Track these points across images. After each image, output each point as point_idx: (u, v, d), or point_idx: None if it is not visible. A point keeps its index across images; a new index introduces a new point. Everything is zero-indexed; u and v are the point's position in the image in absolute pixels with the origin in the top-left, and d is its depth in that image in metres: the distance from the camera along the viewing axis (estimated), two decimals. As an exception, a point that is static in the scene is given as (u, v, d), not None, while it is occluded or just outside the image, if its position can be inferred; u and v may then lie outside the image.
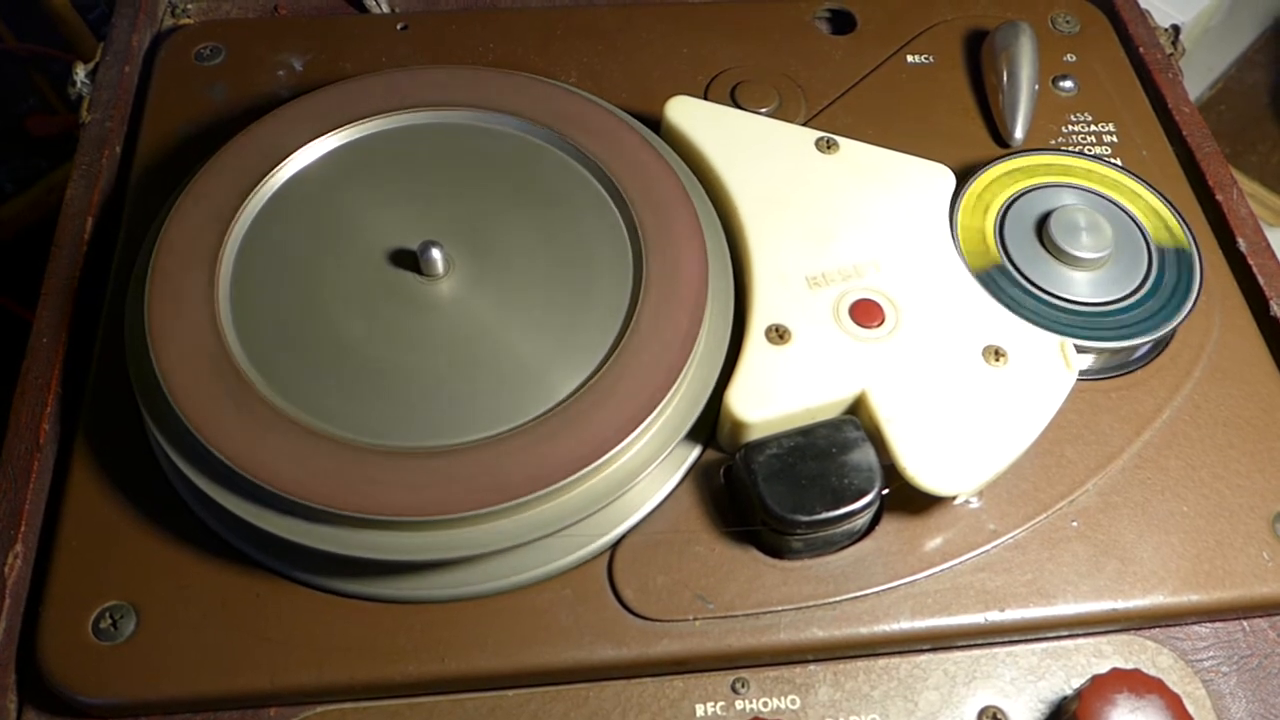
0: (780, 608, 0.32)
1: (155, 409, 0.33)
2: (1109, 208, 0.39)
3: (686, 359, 0.33)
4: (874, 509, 0.33)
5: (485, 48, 0.45)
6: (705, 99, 0.42)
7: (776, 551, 0.33)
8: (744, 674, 0.32)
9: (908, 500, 0.34)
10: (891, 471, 0.33)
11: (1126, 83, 0.46)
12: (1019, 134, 0.43)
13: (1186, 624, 0.34)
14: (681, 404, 0.34)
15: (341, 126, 0.38)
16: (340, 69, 0.44)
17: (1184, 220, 0.39)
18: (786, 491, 0.32)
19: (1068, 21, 0.47)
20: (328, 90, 0.40)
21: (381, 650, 0.31)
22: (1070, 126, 0.44)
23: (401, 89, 0.39)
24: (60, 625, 0.31)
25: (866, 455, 0.33)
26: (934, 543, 0.34)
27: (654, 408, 0.32)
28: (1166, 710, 0.30)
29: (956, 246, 0.38)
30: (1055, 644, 0.33)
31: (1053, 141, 0.43)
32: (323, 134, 0.38)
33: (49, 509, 0.34)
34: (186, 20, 0.47)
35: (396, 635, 0.32)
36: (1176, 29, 0.48)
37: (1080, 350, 0.36)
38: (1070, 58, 0.46)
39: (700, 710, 0.32)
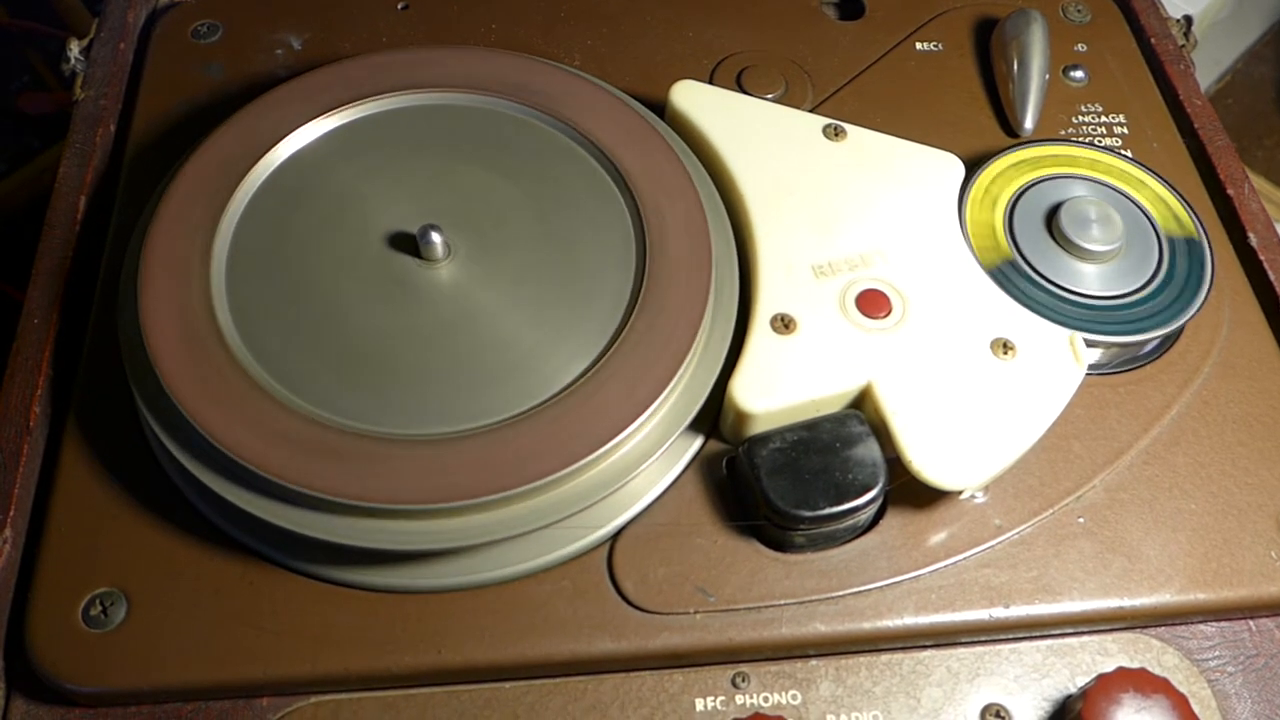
0: (782, 601, 0.32)
1: (148, 393, 0.32)
2: (1120, 200, 0.39)
3: (690, 347, 0.33)
4: (877, 505, 0.32)
5: (487, 29, 0.45)
6: (711, 84, 0.42)
7: (779, 545, 0.33)
8: (745, 668, 0.32)
9: (913, 494, 0.33)
10: (897, 465, 0.33)
11: (1138, 74, 0.45)
12: (1029, 124, 0.42)
13: (1193, 623, 0.33)
14: (684, 393, 0.33)
15: (340, 107, 0.38)
16: (339, 49, 0.44)
17: (1195, 214, 0.39)
18: (790, 486, 0.32)
19: (1079, 10, 0.47)
20: (326, 70, 0.39)
21: (377, 640, 0.31)
22: (1080, 117, 0.43)
23: (402, 70, 0.39)
24: (50, 612, 0.31)
25: (870, 450, 0.32)
26: (939, 537, 0.33)
27: (656, 397, 0.32)
28: (1173, 710, 0.30)
29: (965, 237, 0.37)
30: (1060, 641, 0.33)
31: (1063, 132, 0.43)
32: (321, 114, 0.37)
33: (39, 493, 0.34)
34: (183, -4, 0.46)
35: (392, 625, 0.31)
36: (1189, 20, 0.47)
37: (1089, 344, 0.35)
38: (1081, 47, 0.45)
39: (700, 705, 0.31)
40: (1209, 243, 0.38)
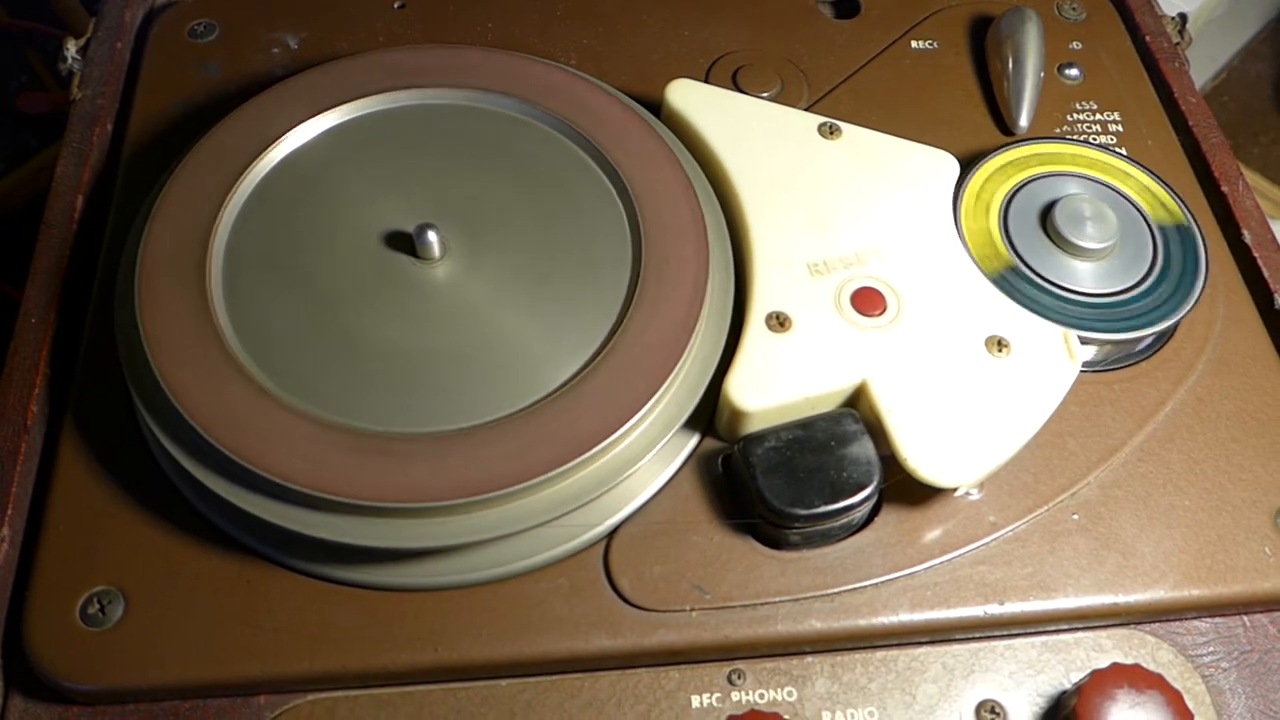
0: (778, 599, 0.32)
1: (145, 391, 0.32)
2: (1115, 198, 0.39)
3: (685, 346, 0.33)
4: (872, 502, 0.33)
5: (483, 28, 0.45)
6: (706, 82, 0.42)
7: (774, 543, 0.33)
8: (741, 665, 0.32)
9: (908, 491, 0.33)
10: (892, 463, 0.33)
11: (1133, 71, 0.45)
12: (1024, 122, 0.42)
13: (1187, 619, 0.34)
14: (680, 392, 0.33)
15: (336, 106, 0.38)
16: (336, 48, 0.44)
17: (1190, 211, 0.39)
18: (785, 485, 0.32)
19: (1074, 8, 0.47)
20: (323, 69, 0.39)
21: (374, 638, 0.31)
22: (1075, 115, 0.43)
23: (398, 69, 0.39)
24: (47, 610, 0.31)
25: (865, 449, 0.32)
26: (934, 534, 0.33)
27: (652, 395, 0.32)
28: (1167, 706, 0.30)
29: (960, 235, 0.37)
30: (1055, 638, 0.33)
31: (1058, 130, 0.43)
32: (317, 114, 0.37)
33: (37, 492, 0.34)
34: (180, -4, 0.46)
35: (389, 623, 0.31)
36: (1183, 17, 0.47)
37: (1084, 342, 0.35)
38: (1076, 45, 0.45)
39: (696, 701, 0.31)
40: (1203, 239, 0.38)
